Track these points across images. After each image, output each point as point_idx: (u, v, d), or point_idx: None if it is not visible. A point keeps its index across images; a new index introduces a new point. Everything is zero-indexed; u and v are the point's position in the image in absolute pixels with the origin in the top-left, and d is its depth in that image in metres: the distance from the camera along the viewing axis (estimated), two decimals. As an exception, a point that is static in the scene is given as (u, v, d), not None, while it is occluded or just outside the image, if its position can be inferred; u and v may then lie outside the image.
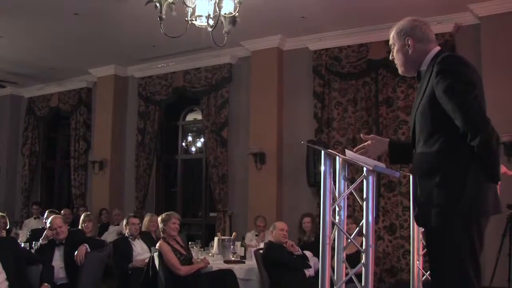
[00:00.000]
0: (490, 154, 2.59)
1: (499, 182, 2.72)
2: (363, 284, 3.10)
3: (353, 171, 7.85)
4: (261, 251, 6.56)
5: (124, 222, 7.26)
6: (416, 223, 2.95)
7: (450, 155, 2.71)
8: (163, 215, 6.42)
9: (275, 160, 9.19)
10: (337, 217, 3.25)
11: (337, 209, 3.25)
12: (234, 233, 7.82)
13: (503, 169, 2.89)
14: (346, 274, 3.22)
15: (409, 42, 2.94)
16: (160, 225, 6.37)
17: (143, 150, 10.95)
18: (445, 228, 2.69)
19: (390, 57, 3.12)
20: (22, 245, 6.53)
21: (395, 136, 8.20)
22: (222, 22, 4.92)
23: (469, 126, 2.59)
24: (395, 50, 3.04)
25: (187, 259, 6.22)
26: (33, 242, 6.63)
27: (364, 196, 3.11)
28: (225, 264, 6.62)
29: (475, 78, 2.70)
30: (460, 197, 2.64)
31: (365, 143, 3.28)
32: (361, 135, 3.41)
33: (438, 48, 2.96)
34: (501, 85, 7.13)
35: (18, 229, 10.29)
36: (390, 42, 3.07)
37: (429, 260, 2.83)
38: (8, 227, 7.94)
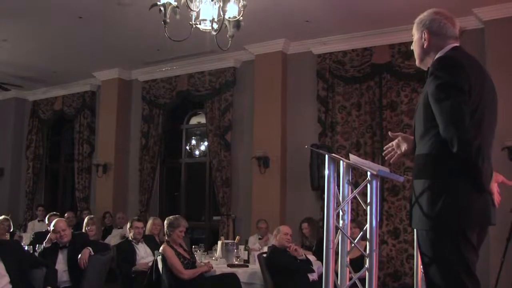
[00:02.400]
0: (468, 162, 2.51)
1: (487, 190, 2.63)
2: (366, 288, 3.09)
3: (356, 175, 7.85)
4: (264, 255, 6.54)
5: (128, 225, 7.25)
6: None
7: (436, 159, 2.66)
8: (171, 218, 6.32)
9: (279, 164, 9.18)
10: (340, 221, 3.24)
11: (340, 213, 3.24)
12: (237, 237, 7.81)
13: (500, 178, 2.80)
14: (350, 279, 3.21)
15: (425, 35, 2.88)
16: (166, 229, 6.28)
17: (147, 154, 10.96)
18: (430, 238, 2.65)
19: (411, 47, 3.05)
20: (26, 248, 6.54)
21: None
22: (226, 26, 4.93)
23: (446, 132, 2.53)
24: (414, 41, 2.99)
25: (191, 263, 6.20)
26: (37, 245, 6.63)
27: (368, 200, 3.11)
28: (229, 268, 6.60)
29: (468, 83, 2.59)
30: (440, 206, 2.59)
31: (393, 141, 3.21)
32: (389, 133, 3.35)
33: (452, 45, 2.85)
34: (504, 89, 7.09)
35: (22, 232, 10.30)
36: (412, 32, 3.00)
37: (423, 270, 2.78)
38: (11, 230, 7.95)
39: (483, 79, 2.73)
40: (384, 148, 3.29)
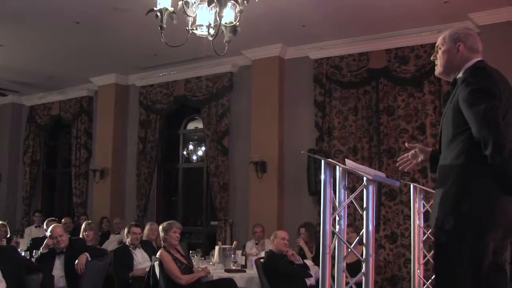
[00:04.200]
0: (501, 164, 2.58)
1: None
2: (363, 293, 3.09)
3: (354, 180, 7.85)
4: (261, 260, 6.55)
5: (126, 231, 7.24)
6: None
7: (465, 163, 2.73)
8: (164, 224, 6.42)
9: (276, 169, 9.18)
10: (337, 226, 3.24)
11: (337, 218, 3.24)
12: (235, 242, 7.81)
13: None
14: (347, 283, 3.21)
15: (460, 47, 3.00)
16: (161, 234, 6.36)
17: (144, 159, 10.95)
18: (448, 239, 2.69)
19: (432, 57, 3.19)
20: (23, 253, 6.52)
21: (395, 145, 8.23)
22: (223, 31, 4.93)
23: (481, 134, 2.61)
24: (441, 51, 3.09)
25: (188, 268, 6.21)
26: (34, 251, 6.62)
27: (364, 205, 3.11)
28: (226, 273, 6.61)
29: (498, 89, 2.72)
30: (464, 209, 2.65)
31: (409, 152, 3.33)
32: (406, 144, 3.46)
33: (478, 59, 3.02)
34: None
35: (19, 237, 10.26)
36: (438, 43, 3.12)
37: (434, 271, 2.82)
38: (8, 235, 7.94)
39: (510, 90, 2.86)
40: (399, 159, 3.41)
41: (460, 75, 2.98)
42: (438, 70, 3.13)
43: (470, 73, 2.87)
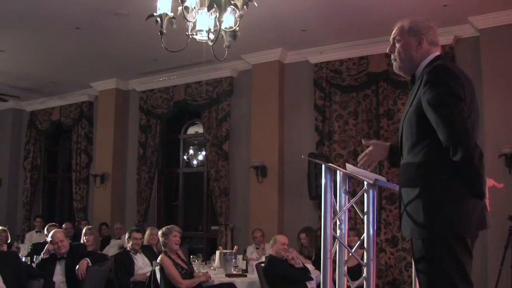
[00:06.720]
0: (472, 170, 2.53)
1: (486, 197, 2.64)
2: (364, 297, 3.09)
3: (354, 184, 7.85)
4: (262, 265, 6.54)
5: (127, 236, 7.24)
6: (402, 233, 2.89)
7: (432, 168, 2.65)
8: (164, 228, 6.41)
9: (277, 173, 9.18)
10: (338, 231, 3.24)
11: (338, 222, 3.24)
12: (235, 247, 7.81)
13: (490, 182, 2.81)
14: (348, 287, 3.22)
15: (421, 41, 2.87)
16: (161, 239, 6.35)
17: (145, 164, 10.95)
18: (427, 246, 2.63)
19: (388, 50, 3.01)
20: (23, 259, 6.52)
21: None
22: (222, 36, 4.94)
23: (450, 140, 2.53)
24: (399, 44, 2.94)
25: (189, 273, 6.21)
26: (34, 256, 6.62)
27: (365, 209, 3.11)
28: (227, 277, 6.60)
29: (464, 92, 2.62)
30: (439, 213, 2.58)
31: (367, 150, 3.18)
32: (362, 140, 3.33)
33: (437, 53, 2.89)
34: (501, 97, 7.14)
35: (19, 243, 10.26)
36: (395, 35, 2.97)
37: (418, 278, 2.74)
38: (9, 241, 7.93)
39: (473, 89, 2.75)
40: (358, 159, 3.23)
41: (419, 71, 2.85)
42: (397, 65, 2.97)
43: (435, 73, 2.69)
